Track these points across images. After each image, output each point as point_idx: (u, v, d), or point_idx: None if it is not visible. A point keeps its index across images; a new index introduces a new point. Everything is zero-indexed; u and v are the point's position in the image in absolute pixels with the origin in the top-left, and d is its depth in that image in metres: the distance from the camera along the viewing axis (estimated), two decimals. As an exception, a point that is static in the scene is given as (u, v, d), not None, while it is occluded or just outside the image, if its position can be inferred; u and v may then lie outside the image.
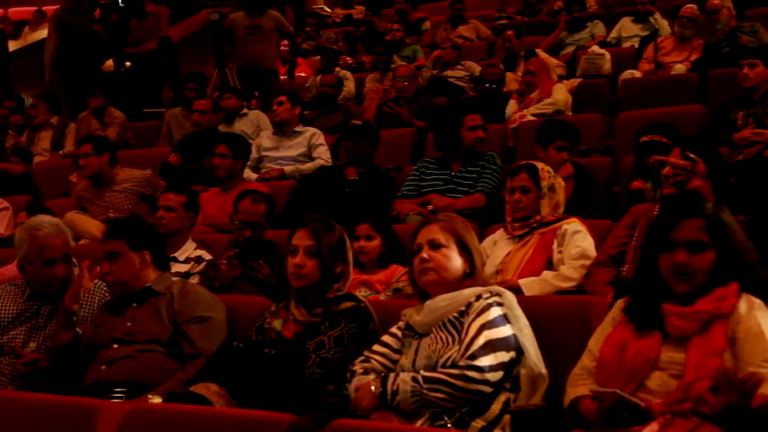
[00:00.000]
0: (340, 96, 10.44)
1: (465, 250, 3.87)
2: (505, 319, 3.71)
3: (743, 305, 3.21)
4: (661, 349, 3.22)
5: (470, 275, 3.86)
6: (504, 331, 3.67)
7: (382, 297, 5.15)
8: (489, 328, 3.64)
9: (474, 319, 3.67)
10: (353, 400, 3.70)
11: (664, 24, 10.85)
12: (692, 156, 4.44)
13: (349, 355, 4.00)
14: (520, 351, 3.69)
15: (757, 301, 3.23)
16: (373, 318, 4.20)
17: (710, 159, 4.62)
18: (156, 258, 4.73)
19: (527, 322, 3.77)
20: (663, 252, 3.30)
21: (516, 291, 4.62)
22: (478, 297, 3.76)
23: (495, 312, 3.70)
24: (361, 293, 5.13)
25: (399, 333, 3.94)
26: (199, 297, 4.67)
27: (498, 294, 3.79)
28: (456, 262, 3.85)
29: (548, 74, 8.94)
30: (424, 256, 3.85)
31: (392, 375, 3.68)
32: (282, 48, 12.33)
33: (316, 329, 4.11)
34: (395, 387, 3.60)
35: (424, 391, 3.54)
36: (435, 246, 3.86)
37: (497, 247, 5.17)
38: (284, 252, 4.38)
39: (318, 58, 12.55)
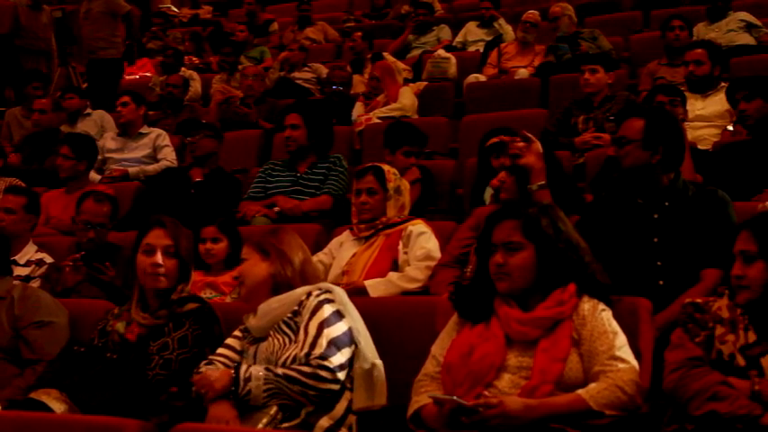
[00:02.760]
0: (186, 97, 10.32)
1: (267, 255, 3.93)
2: (339, 314, 3.78)
3: (585, 306, 3.32)
4: (506, 353, 3.31)
5: (276, 276, 3.90)
6: (342, 327, 3.73)
7: (228, 299, 5.13)
8: (328, 326, 3.69)
9: (310, 319, 3.72)
10: (205, 382, 3.66)
11: (508, 30, 11.04)
12: (528, 135, 4.54)
13: (193, 356, 3.97)
14: (356, 344, 3.75)
15: (600, 304, 3.34)
16: (218, 319, 4.18)
17: (547, 161, 4.74)
18: (-4, 262, 4.62)
19: (359, 316, 3.84)
20: (488, 254, 3.40)
21: (362, 292, 4.68)
22: (309, 295, 3.82)
23: (329, 310, 3.76)
24: (207, 295, 5.11)
25: (241, 335, 3.96)
26: (40, 301, 4.57)
27: (328, 291, 3.86)
28: (255, 268, 3.93)
29: (393, 78, 9.00)
30: (235, 274, 4.03)
31: (245, 365, 3.69)
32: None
33: (159, 331, 4.07)
34: (247, 374, 3.60)
35: (282, 383, 3.55)
36: (243, 261, 3.99)
37: (343, 249, 5.20)
38: (129, 254, 4.33)
39: (161, 58, 12.37)
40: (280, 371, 3.59)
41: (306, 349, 3.64)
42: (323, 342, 3.64)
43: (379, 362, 3.77)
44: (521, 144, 4.52)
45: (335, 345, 3.65)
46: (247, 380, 3.59)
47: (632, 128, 4.26)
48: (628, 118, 4.35)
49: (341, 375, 3.62)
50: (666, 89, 6.49)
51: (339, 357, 3.63)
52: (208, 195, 6.80)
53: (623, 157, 4.26)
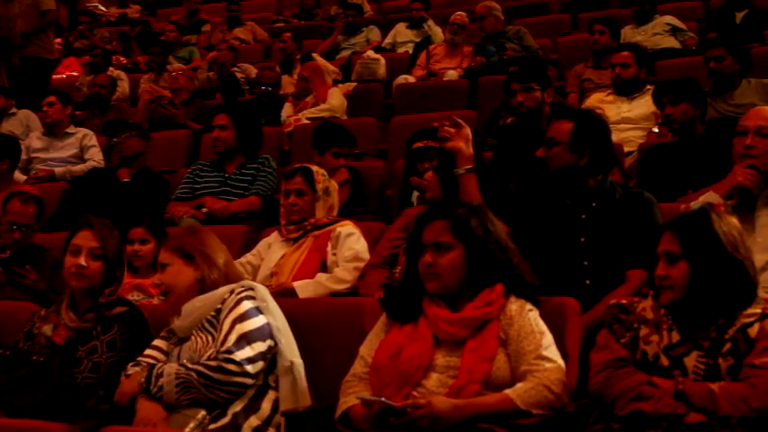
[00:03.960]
0: (113, 97, 10.23)
1: (191, 259, 3.90)
2: (258, 310, 3.78)
3: (513, 306, 3.34)
4: (434, 353, 3.32)
5: (204, 280, 3.88)
6: (258, 321, 3.73)
7: (156, 301, 5.08)
8: (242, 320, 3.70)
9: (227, 315, 3.73)
10: (118, 389, 3.69)
11: (437, 31, 11.07)
12: (458, 120, 4.55)
13: (122, 359, 3.94)
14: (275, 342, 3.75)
15: (528, 304, 3.37)
16: (146, 322, 4.15)
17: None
18: None
19: (281, 314, 3.84)
20: (417, 254, 3.41)
21: (291, 293, 4.67)
22: (231, 293, 3.82)
23: (247, 305, 3.76)
24: (134, 298, 5.06)
25: (168, 337, 3.93)
26: (-38, 304, 4.50)
27: (251, 288, 3.86)
28: (182, 274, 3.89)
29: (321, 78, 8.98)
30: (156, 280, 3.97)
31: (160, 363, 3.70)
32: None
33: (88, 335, 4.03)
34: (159, 371, 3.61)
35: (192, 376, 3.55)
36: (163, 267, 3.93)
37: (272, 250, 5.19)
38: (55, 255, 4.28)
39: (89, 57, 12.23)
40: (190, 366, 3.60)
41: (219, 345, 3.65)
42: (233, 337, 3.65)
43: (298, 360, 3.78)
44: (451, 129, 4.51)
45: (246, 339, 3.65)
46: (159, 376, 3.60)
47: (560, 130, 4.30)
48: (557, 120, 4.39)
49: (250, 368, 3.61)
50: None
51: (247, 351, 3.63)
52: (135, 196, 6.75)
53: (551, 159, 4.29)
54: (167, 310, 3.96)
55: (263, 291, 3.89)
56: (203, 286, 3.87)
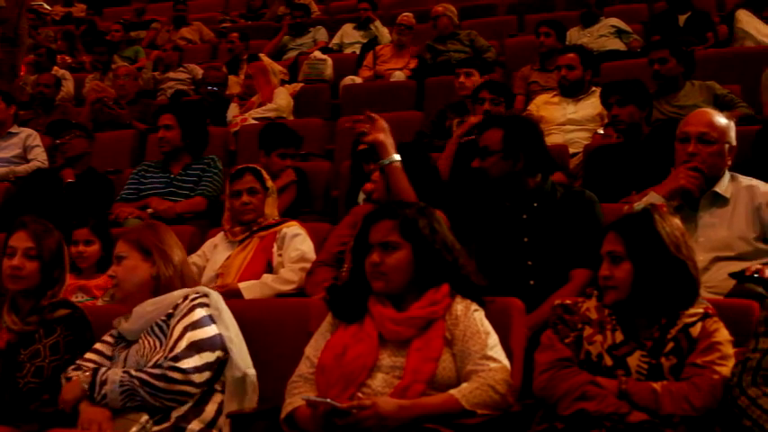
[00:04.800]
0: (58, 97, 10.13)
1: (149, 255, 3.86)
2: (211, 319, 3.74)
3: (458, 306, 3.35)
4: (379, 353, 3.32)
5: (159, 277, 3.84)
6: (210, 331, 3.69)
7: (100, 302, 5.04)
8: (194, 328, 3.66)
9: (179, 321, 3.68)
10: (60, 395, 3.66)
11: (384, 32, 11.10)
12: (371, 114, 4.51)
13: (65, 363, 3.89)
14: (228, 351, 3.71)
15: (473, 304, 3.38)
16: (89, 325, 4.11)
17: (419, 162, 4.79)
18: None
19: (234, 323, 3.81)
20: (364, 254, 3.42)
21: (236, 294, 4.65)
22: (185, 298, 3.77)
23: (201, 313, 3.72)
24: (79, 299, 5.01)
25: (112, 340, 3.89)
26: None
27: (205, 295, 3.82)
28: (138, 269, 3.84)
29: (266, 78, 8.96)
30: (111, 272, 3.89)
31: (103, 368, 3.66)
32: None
33: (30, 338, 3.98)
34: (104, 378, 3.57)
35: (136, 383, 3.52)
36: (119, 259, 3.87)
37: (217, 251, 5.17)
38: (-4, 256, 4.23)
39: (33, 56, 12.12)
40: (135, 373, 3.56)
41: (167, 352, 3.62)
42: (182, 344, 3.61)
43: (251, 371, 3.75)
44: (366, 124, 4.47)
45: (196, 347, 3.61)
46: (103, 383, 3.56)
47: (492, 139, 4.33)
48: (487, 129, 4.42)
49: (196, 377, 3.57)
50: None
51: (195, 360, 3.59)
52: (79, 197, 6.69)
53: (488, 169, 4.32)
54: (118, 302, 3.93)
55: (216, 298, 3.84)
56: (157, 284, 3.83)
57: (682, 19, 9.22)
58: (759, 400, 2.98)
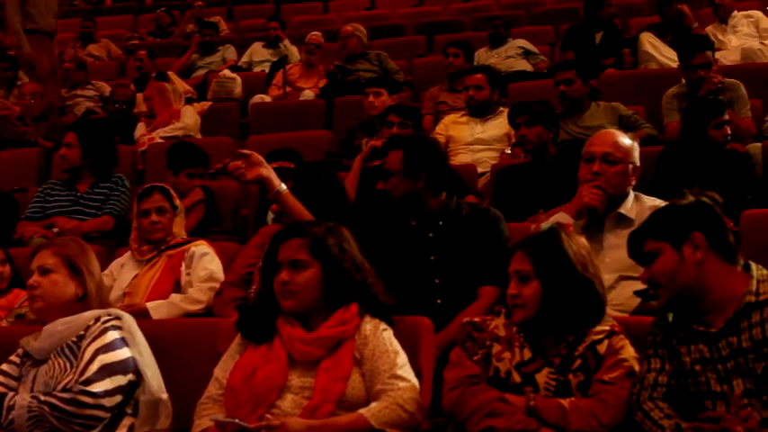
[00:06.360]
0: (-40, 113, 9.95)
1: (77, 273, 3.80)
2: (124, 342, 3.68)
3: (367, 326, 3.36)
4: (288, 374, 3.31)
5: (83, 299, 3.79)
6: (122, 354, 3.64)
7: (4, 323, 4.95)
8: (105, 351, 3.60)
9: (90, 343, 3.62)
10: None
11: (293, 51, 11.10)
12: (241, 151, 4.32)
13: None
14: (140, 374, 3.66)
15: (382, 324, 3.39)
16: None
17: (327, 183, 4.80)
18: None
19: (147, 346, 3.75)
20: (273, 273, 3.41)
21: (144, 314, 4.60)
22: (97, 320, 3.71)
23: (113, 336, 3.66)
24: (-16, 320, 4.93)
25: (18, 360, 3.81)
26: None
27: (118, 317, 3.76)
28: (65, 286, 3.78)
29: (165, 99, 8.88)
30: (32, 282, 3.79)
31: (11, 393, 3.59)
32: None
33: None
34: (11, 403, 3.50)
35: (45, 409, 3.45)
36: (44, 271, 3.79)
37: (125, 270, 5.11)
38: None
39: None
40: (43, 398, 3.49)
41: (77, 376, 3.56)
42: (94, 367, 3.55)
43: (165, 396, 3.70)
44: (238, 163, 4.35)
45: (107, 371, 3.56)
46: (10, 408, 3.49)
47: (392, 160, 4.39)
48: (389, 151, 4.47)
49: (106, 402, 3.52)
50: None
51: (107, 383, 3.54)
52: (-18, 216, 6.56)
53: (391, 190, 4.36)
54: (34, 312, 3.85)
55: (129, 321, 3.78)
56: (81, 304, 3.77)
57: (597, 37, 9.35)
58: (651, 412, 3.06)
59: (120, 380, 3.58)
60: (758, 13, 9.31)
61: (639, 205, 4.26)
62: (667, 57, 8.53)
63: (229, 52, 11.68)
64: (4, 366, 3.81)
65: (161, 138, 8.40)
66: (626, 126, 6.45)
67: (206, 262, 4.98)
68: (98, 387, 3.51)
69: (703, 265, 3.09)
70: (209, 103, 9.68)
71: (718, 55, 8.31)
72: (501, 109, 7.31)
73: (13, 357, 3.84)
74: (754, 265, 3.14)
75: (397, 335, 3.40)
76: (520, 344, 3.29)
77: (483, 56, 9.70)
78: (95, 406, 3.49)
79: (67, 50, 12.73)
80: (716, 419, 2.92)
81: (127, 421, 3.62)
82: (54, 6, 10.00)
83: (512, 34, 10.12)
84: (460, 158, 7.08)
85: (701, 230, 3.11)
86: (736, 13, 9.23)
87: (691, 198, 3.21)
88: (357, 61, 9.77)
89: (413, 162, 4.32)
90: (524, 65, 9.65)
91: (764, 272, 3.12)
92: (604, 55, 9.14)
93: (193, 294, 4.87)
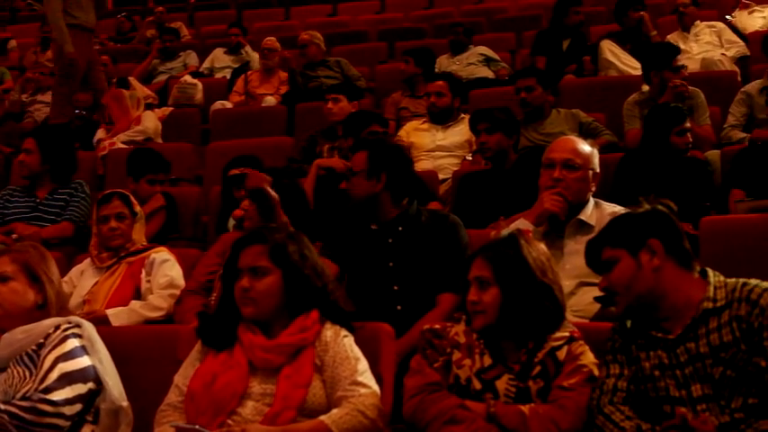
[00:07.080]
0: None
1: (36, 281, 3.78)
2: (84, 350, 3.66)
3: (328, 333, 3.36)
4: (249, 381, 3.31)
5: (43, 307, 3.76)
6: (82, 362, 3.62)
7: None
8: (65, 360, 3.58)
9: (50, 351, 3.60)
10: None
11: (255, 57, 11.05)
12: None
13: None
14: (100, 382, 3.64)
15: (343, 330, 3.39)
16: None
17: (290, 190, 4.80)
18: None
19: (107, 354, 3.73)
20: (234, 280, 3.40)
21: (104, 321, 4.57)
22: (57, 328, 3.69)
23: (73, 344, 3.64)
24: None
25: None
26: None
27: (78, 325, 3.73)
28: (25, 294, 3.75)
29: (122, 106, 8.82)
30: None
31: None
32: None
33: None
34: None
35: (4, 418, 3.41)
36: (3, 279, 3.77)
37: (84, 277, 5.08)
38: None
39: None
40: (3, 407, 3.45)
41: (37, 384, 3.53)
42: (53, 375, 3.53)
43: (126, 404, 3.68)
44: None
45: (67, 379, 3.54)
46: None
47: (357, 160, 4.44)
48: (355, 152, 4.52)
49: (66, 410, 3.50)
50: None
51: (67, 392, 3.51)
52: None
53: (352, 189, 4.39)
54: None
55: (90, 328, 3.75)
56: (41, 312, 3.74)
57: (565, 44, 9.39)
58: (612, 415, 3.09)
59: (81, 388, 3.56)
60: (721, 24, 9.40)
61: (599, 212, 4.28)
62: (627, 64, 8.58)
63: (191, 58, 11.64)
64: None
65: (122, 142, 8.35)
66: (586, 133, 6.48)
67: (166, 269, 4.96)
68: (58, 395, 3.48)
69: (661, 271, 3.12)
70: (170, 108, 9.64)
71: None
72: (462, 116, 7.32)
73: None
74: (710, 272, 3.17)
75: (357, 341, 3.41)
76: (480, 351, 3.31)
77: (444, 63, 9.72)
78: (55, 414, 3.47)
79: (28, 55, 12.65)
80: (680, 426, 2.95)
81: (87, 429, 3.59)
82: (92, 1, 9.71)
83: (473, 41, 10.14)
84: (422, 165, 7.09)
85: (657, 237, 3.14)
86: (698, 22, 9.30)
87: (646, 206, 3.25)
88: (318, 68, 9.77)
89: (376, 162, 4.36)
90: (486, 72, 9.67)
91: (721, 278, 3.15)
92: (571, 62, 9.18)
93: (154, 301, 4.85)
